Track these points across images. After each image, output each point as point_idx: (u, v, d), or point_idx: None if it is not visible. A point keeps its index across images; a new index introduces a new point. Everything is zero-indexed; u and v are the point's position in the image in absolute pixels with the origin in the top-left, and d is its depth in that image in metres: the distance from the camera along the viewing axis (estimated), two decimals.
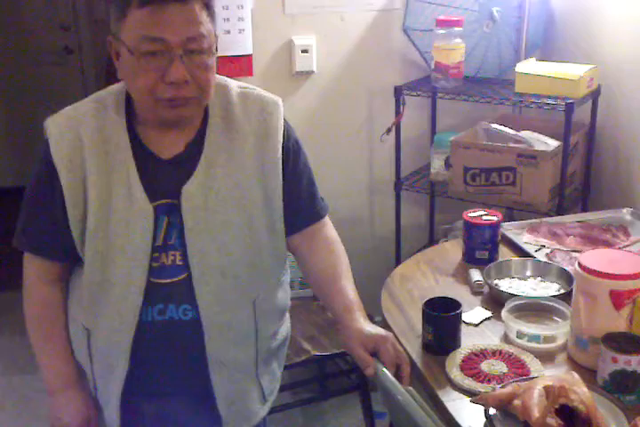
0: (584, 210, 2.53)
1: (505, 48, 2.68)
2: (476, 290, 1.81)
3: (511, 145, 2.37)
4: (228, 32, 2.51)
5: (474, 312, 1.70)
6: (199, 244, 1.41)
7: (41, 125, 1.43)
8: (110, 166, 1.39)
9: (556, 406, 1.26)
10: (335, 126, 2.79)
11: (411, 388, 1.31)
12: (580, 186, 2.56)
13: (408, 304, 1.75)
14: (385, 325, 1.66)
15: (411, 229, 2.89)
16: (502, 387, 1.36)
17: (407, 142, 2.71)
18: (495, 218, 1.93)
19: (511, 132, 2.42)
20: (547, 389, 1.28)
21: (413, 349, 1.57)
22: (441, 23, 2.45)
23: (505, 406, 1.32)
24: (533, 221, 2.15)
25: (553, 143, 2.33)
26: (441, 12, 2.55)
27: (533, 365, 1.49)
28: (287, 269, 1.62)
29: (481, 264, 1.89)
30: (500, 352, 1.53)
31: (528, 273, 1.85)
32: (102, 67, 3.90)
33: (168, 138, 1.42)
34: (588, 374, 1.44)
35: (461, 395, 1.42)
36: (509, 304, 1.64)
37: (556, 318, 1.64)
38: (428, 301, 1.57)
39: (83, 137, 1.40)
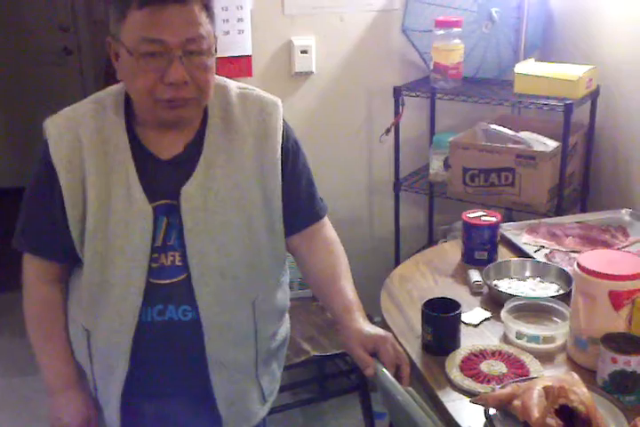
0: (583, 211, 2.54)
1: (504, 49, 2.68)
2: (475, 291, 1.81)
3: (510, 146, 2.37)
4: (228, 33, 2.51)
5: (473, 313, 1.70)
6: (198, 244, 1.41)
7: (40, 126, 1.43)
8: (109, 167, 1.39)
9: (556, 407, 1.26)
10: (334, 127, 2.79)
11: (410, 388, 1.31)
12: (579, 187, 2.56)
13: (407, 305, 1.75)
14: (384, 325, 1.66)
15: (410, 230, 2.89)
16: (502, 387, 1.36)
17: (406, 143, 2.71)
18: (494, 219, 1.94)
19: (510, 132, 2.42)
20: (546, 389, 1.28)
21: (413, 349, 1.57)
22: (440, 24, 2.45)
23: (505, 406, 1.32)
24: (532, 221, 2.15)
25: (552, 144, 2.33)
26: (440, 13, 2.55)
27: (533, 365, 1.49)
28: (286, 269, 1.62)
29: (480, 265, 1.89)
30: (500, 353, 1.53)
31: (527, 274, 1.85)
32: (101, 67, 3.89)
33: (167, 139, 1.42)
34: (588, 374, 1.44)
35: (461, 395, 1.43)
36: (509, 305, 1.65)
37: (555, 318, 1.64)
38: (428, 301, 1.57)
39: (82, 138, 1.40)
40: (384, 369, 1.33)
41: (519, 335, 1.57)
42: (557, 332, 1.57)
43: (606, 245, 1.99)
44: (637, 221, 2.14)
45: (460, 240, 2.01)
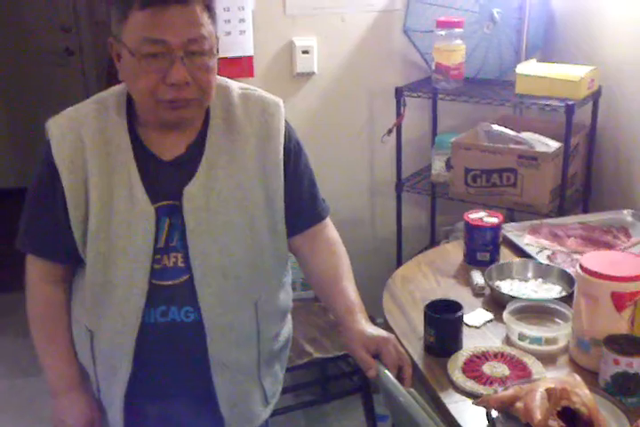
0: (585, 211, 2.53)
1: (505, 49, 2.68)
2: (477, 292, 1.81)
3: (512, 146, 2.37)
4: (229, 33, 2.51)
5: (475, 314, 1.70)
6: (201, 245, 1.41)
7: (42, 126, 1.44)
8: (111, 168, 1.40)
9: (558, 409, 1.26)
10: (336, 127, 2.79)
11: (412, 390, 1.31)
12: (581, 187, 2.56)
13: (409, 306, 1.75)
14: (386, 326, 1.66)
15: (412, 231, 2.89)
16: (504, 389, 1.36)
17: (408, 143, 2.71)
18: (496, 219, 1.93)
19: (512, 133, 2.42)
20: (549, 391, 1.28)
21: (415, 351, 1.57)
22: (441, 24, 2.45)
23: (507, 408, 1.32)
24: (534, 222, 2.15)
25: (554, 144, 2.33)
26: (441, 14, 2.55)
27: (535, 367, 1.49)
28: (289, 270, 1.62)
29: (482, 266, 1.88)
30: (502, 354, 1.53)
31: (529, 275, 1.85)
32: (103, 68, 3.89)
33: (169, 139, 1.42)
34: (590, 376, 1.44)
35: (463, 397, 1.42)
36: (511, 306, 1.64)
37: (557, 319, 1.64)
38: (430, 303, 1.57)
39: (84, 138, 1.40)
40: (386, 371, 1.33)
41: (521, 337, 1.57)
42: (560, 333, 1.57)
43: (608, 246, 1.99)
44: (639, 221, 2.13)
45: (462, 241, 2.01)
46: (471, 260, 1.95)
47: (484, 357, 1.52)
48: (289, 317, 1.67)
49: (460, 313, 1.54)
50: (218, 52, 1.37)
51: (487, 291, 1.80)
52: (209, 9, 1.34)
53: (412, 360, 1.45)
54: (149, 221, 1.39)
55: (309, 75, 2.70)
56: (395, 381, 1.31)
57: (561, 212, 2.34)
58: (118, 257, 1.40)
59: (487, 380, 1.45)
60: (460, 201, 2.50)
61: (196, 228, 1.40)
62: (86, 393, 1.54)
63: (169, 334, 1.43)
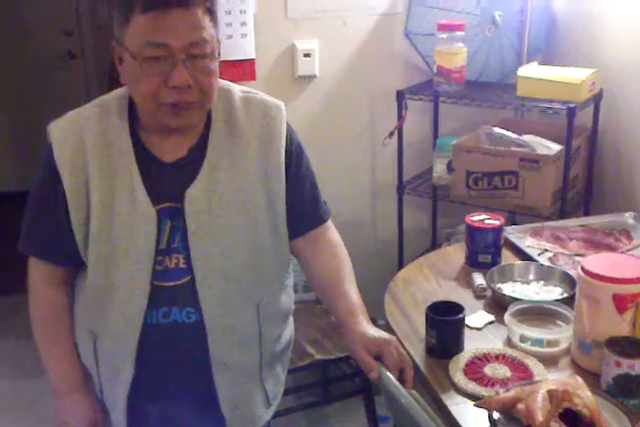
0: (586, 214, 2.54)
1: (507, 52, 2.68)
2: (478, 294, 1.81)
3: (513, 149, 2.37)
4: (231, 37, 2.52)
5: (477, 316, 1.70)
6: (202, 247, 1.41)
7: (44, 130, 1.44)
8: (113, 170, 1.40)
9: (560, 410, 1.26)
10: (338, 130, 2.79)
11: (414, 391, 1.31)
12: (583, 190, 2.56)
13: (411, 308, 1.75)
14: (388, 328, 1.66)
15: (413, 233, 2.89)
16: (506, 391, 1.36)
17: (409, 146, 2.71)
18: (498, 222, 1.94)
19: (513, 136, 2.42)
20: (550, 393, 1.28)
21: (417, 352, 1.57)
22: (443, 27, 2.45)
23: (508, 409, 1.32)
24: (536, 224, 2.15)
25: (555, 147, 2.33)
26: (443, 17, 2.55)
27: (537, 369, 1.49)
28: (291, 272, 1.62)
29: (484, 268, 1.89)
30: (504, 356, 1.53)
31: (531, 277, 1.85)
32: (105, 71, 3.90)
33: (171, 142, 1.43)
34: (592, 377, 1.44)
35: (465, 399, 1.42)
36: (512, 308, 1.64)
37: (559, 321, 1.64)
38: (432, 304, 1.57)
39: (86, 141, 1.40)
40: (388, 372, 1.33)
41: (523, 339, 1.57)
42: (561, 335, 1.57)
43: (610, 248, 1.99)
44: None
45: (463, 243, 2.01)
46: (473, 262, 1.95)
47: (485, 358, 1.52)
48: (291, 319, 1.67)
49: (461, 315, 1.54)
50: (219, 55, 1.38)
51: (489, 293, 1.80)
52: (210, 12, 1.35)
53: (413, 362, 1.45)
54: (151, 223, 1.39)
55: (311, 78, 2.70)
56: (396, 382, 1.31)
57: (562, 214, 2.34)
58: (120, 259, 1.41)
59: (489, 382, 1.45)
60: (461, 204, 2.50)
61: (198, 230, 1.40)
62: (89, 394, 1.55)
63: (171, 335, 1.44)
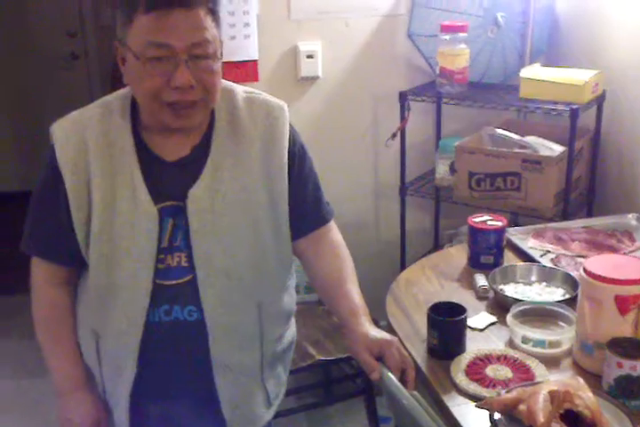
0: (589, 215, 2.53)
1: (510, 53, 2.68)
2: (481, 295, 1.81)
3: (516, 150, 2.37)
4: (234, 38, 2.52)
5: (479, 317, 1.70)
6: (204, 245, 1.41)
7: (47, 130, 1.44)
8: (115, 169, 1.40)
9: (561, 411, 1.26)
10: (340, 131, 2.80)
11: (416, 392, 1.31)
12: (585, 191, 2.56)
13: (413, 309, 1.75)
14: (390, 329, 1.66)
15: (416, 234, 2.89)
16: (507, 392, 1.36)
17: (412, 147, 2.71)
18: (500, 223, 1.94)
19: (516, 137, 2.42)
20: (552, 394, 1.28)
21: (418, 353, 1.57)
22: (446, 29, 2.46)
23: (510, 410, 1.32)
24: (538, 226, 2.15)
25: (558, 148, 2.33)
26: (445, 18, 2.56)
27: (538, 370, 1.49)
28: (293, 273, 1.63)
29: (486, 269, 1.89)
30: (505, 357, 1.53)
31: (533, 278, 1.85)
32: (108, 72, 3.91)
33: (173, 142, 1.43)
34: (594, 379, 1.44)
35: (466, 400, 1.42)
36: (514, 309, 1.64)
37: (561, 323, 1.64)
38: (434, 305, 1.57)
39: (88, 141, 1.41)
40: (389, 373, 1.33)
41: (525, 340, 1.57)
42: (563, 336, 1.57)
43: (612, 249, 1.99)
44: None
45: (465, 244, 2.01)
46: (475, 263, 1.95)
47: (487, 359, 1.52)
48: (293, 319, 1.67)
49: (463, 316, 1.54)
50: (222, 55, 1.38)
51: (491, 294, 1.80)
52: (213, 13, 1.35)
53: (415, 363, 1.45)
54: (152, 222, 1.40)
55: (314, 79, 2.71)
56: (398, 383, 1.31)
57: (565, 216, 2.34)
58: (122, 258, 1.41)
59: (490, 382, 1.45)
60: (463, 205, 2.50)
61: (200, 229, 1.41)
62: (92, 393, 1.55)
63: (172, 333, 1.44)
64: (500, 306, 1.73)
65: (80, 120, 1.44)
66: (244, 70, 2.58)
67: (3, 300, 3.64)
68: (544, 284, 1.82)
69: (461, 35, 2.45)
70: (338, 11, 2.64)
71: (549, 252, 2.00)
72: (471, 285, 1.86)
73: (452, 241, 2.71)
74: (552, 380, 1.42)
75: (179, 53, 1.30)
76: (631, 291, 1.41)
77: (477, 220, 1.95)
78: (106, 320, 1.47)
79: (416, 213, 2.90)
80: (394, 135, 2.62)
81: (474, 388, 1.44)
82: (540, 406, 1.26)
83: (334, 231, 1.61)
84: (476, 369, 1.49)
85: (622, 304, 1.42)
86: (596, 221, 2.19)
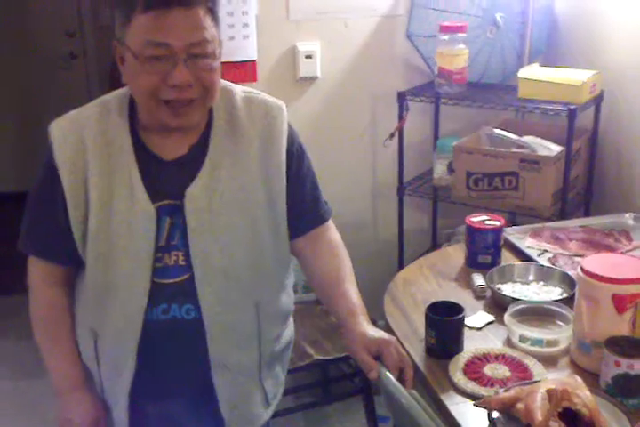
0: (586, 215, 2.54)
1: (508, 54, 2.69)
2: (478, 294, 1.81)
3: (514, 150, 2.38)
4: (233, 38, 2.52)
5: (477, 316, 1.70)
6: (202, 244, 1.41)
7: (45, 130, 1.44)
8: (112, 168, 1.40)
9: (559, 410, 1.26)
10: (339, 131, 2.80)
11: (414, 391, 1.31)
12: (583, 191, 2.56)
13: (411, 308, 1.75)
14: (388, 328, 1.66)
15: (413, 234, 2.89)
16: (505, 390, 1.36)
17: (410, 147, 2.71)
18: (498, 223, 1.94)
19: (514, 137, 2.43)
20: (550, 392, 1.28)
21: (416, 352, 1.57)
22: (444, 29, 2.46)
23: (508, 409, 1.32)
24: (536, 225, 2.16)
25: (556, 148, 2.34)
26: (444, 18, 2.56)
27: (536, 369, 1.49)
28: (291, 272, 1.63)
29: (484, 269, 1.89)
30: (503, 356, 1.53)
31: (531, 277, 1.86)
32: (107, 72, 3.91)
33: (171, 141, 1.43)
34: (591, 377, 1.44)
35: (464, 398, 1.43)
36: (512, 308, 1.65)
37: (558, 322, 1.65)
38: (431, 305, 1.58)
39: (86, 140, 1.41)
40: (387, 372, 1.33)
41: (522, 339, 1.58)
42: (561, 335, 1.58)
43: (610, 248, 1.99)
44: None
45: (463, 244, 2.01)
46: (472, 263, 1.95)
47: (485, 358, 1.52)
48: (291, 319, 1.67)
49: (461, 315, 1.54)
50: (221, 55, 1.38)
51: (488, 293, 1.80)
52: (212, 12, 1.35)
53: (413, 362, 1.45)
54: (150, 221, 1.40)
55: (312, 79, 2.71)
56: (396, 382, 1.31)
57: (562, 215, 2.35)
58: (119, 257, 1.41)
59: (488, 381, 1.45)
60: (461, 204, 2.51)
61: (198, 227, 1.41)
62: (91, 393, 1.55)
63: (170, 331, 1.44)
64: (498, 305, 1.74)
65: (78, 119, 1.44)
66: (243, 71, 2.58)
67: (0, 300, 3.63)
68: (541, 283, 1.83)
69: (460, 35, 2.46)
70: (337, 11, 2.64)
71: (547, 251, 2.00)
72: (469, 284, 1.86)
73: (449, 240, 2.71)
74: (550, 378, 1.42)
75: (177, 53, 1.30)
76: (628, 290, 1.42)
77: (475, 219, 1.95)
78: (104, 319, 1.47)
79: (414, 213, 2.90)
80: (392, 135, 2.62)
81: (472, 387, 1.44)
82: (538, 404, 1.26)
83: (332, 231, 1.61)
84: (473, 368, 1.49)
85: (619, 303, 1.42)
86: (594, 221, 2.19)
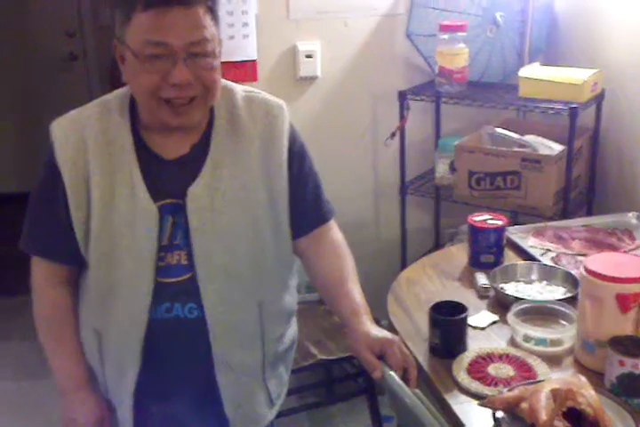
0: (589, 214, 2.54)
1: (509, 53, 2.68)
2: (482, 294, 1.81)
3: (515, 149, 2.37)
4: (233, 37, 2.52)
5: (480, 316, 1.70)
6: (204, 244, 1.41)
7: (46, 130, 1.44)
8: (114, 168, 1.40)
9: (564, 409, 1.25)
10: (339, 131, 2.80)
11: (418, 391, 1.31)
12: (585, 190, 2.56)
13: (414, 308, 1.75)
14: (391, 328, 1.66)
15: (416, 233, 2.89)
16: (509, 390, 1.36)
17: (411, 147, 2.71)
18: (500, 222, 1.94)
19: (515, 136, 2.42)
20: (554, 392, 1.28)
21: (420, 352, 1.57)
22: (444, 28, 2.46)
23: (512, 408, 1.32)
24: (538, 224, 2.15)
25: (557, 147, 2.34)
26: (444, 18, 2.55)
27: (540, 368, 1.49)
28: (295, 272, 1.62)
29: (486, 268, 1.89)
30: (507, 356, 1.53)
31: (534, 277, 1.85)
32: (107, 72, 3.91)
33: (172, 140, 1.43)
34: (596, 376, 1.44)
35: (468, 398, 1.43)
36: (515, 308, 1.65)
37: (562, 321, 1.64)
38: (435, 304, 1.57)
39: (87, 139, 1.41)
40: (391, 372, 1.33)
41: (526, 338, 1.57)
42: (564, 335, 1.57)
43: (613, 248, 1.99)
44: None
45: (466, 243, 2.01)
46: (475, 262, 1.95)
47: (489, 358, 1.52)
48: (294, 319, 1.67)
49: (464, 315, 1.54)
50: (221, 54, 1.38)
51: (492, 293, 1.80)
52: (212, 11, 1.35)
53: (416, 362, 1.44)
54: (152, 220, 1.40)
55: (313, 79, 2.71)
56: (400, 382, 1.31)
57: (565, 214, 2.34)
58: (122, 256, 1.41)
59: (492, 381, 1.45)
60: (463, 204, 2.50)
61: (200, 227, 1.41)
62: (95, 392, 1.55)
63: (173, 330, 1.44)
64: (501, 305, 1.73)
65: (79, 119, 1.44)
66: (243, 70, 2.57)
67: (3, 301, 3.64)
68: (545, 282, 1.82)
69: (460, 34, 2.45)
70: (337, 10, 2.64)
71: (550, 250, 2.00)
72: (472, 283, 1.86)
73: (452, 240, 2.71)
74: (554, 378, 1.42)
75: (177, 52, 1.30)
76: (632, 289, 1.41)
77: (477, 219, 1.95)
78: (108, 319, 1.46)
79: (416, 212, 2.90)
80: (393, 134, 2.62)
81: (476, 386, 1.44)
82: (543, 404, 1.26)
83: (335, 230, 1.61)
84: (477, 368, 1.49)
85: (623, 302, 1.42)
86: (596, 220, 2.19)
